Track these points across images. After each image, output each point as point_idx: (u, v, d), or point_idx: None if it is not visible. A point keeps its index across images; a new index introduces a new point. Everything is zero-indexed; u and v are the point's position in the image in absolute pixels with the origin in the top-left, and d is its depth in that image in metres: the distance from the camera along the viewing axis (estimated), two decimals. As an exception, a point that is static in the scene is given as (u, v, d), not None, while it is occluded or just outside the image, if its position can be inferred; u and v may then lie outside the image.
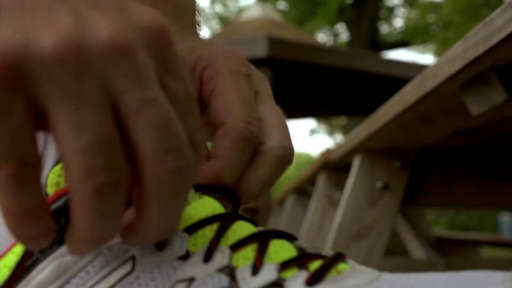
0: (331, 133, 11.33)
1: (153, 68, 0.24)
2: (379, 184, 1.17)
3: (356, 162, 1.19)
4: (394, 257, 1.81)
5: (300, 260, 0.28)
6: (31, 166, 0.22)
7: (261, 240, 0.29)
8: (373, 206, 1.17)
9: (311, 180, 1.94)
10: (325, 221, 1.69)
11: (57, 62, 0.22)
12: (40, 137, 0.32)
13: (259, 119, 0.35)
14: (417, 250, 1.89)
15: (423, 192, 1.27)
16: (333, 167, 1.60)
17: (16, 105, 0.22)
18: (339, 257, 0.28)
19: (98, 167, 0.22)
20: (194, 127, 0.25)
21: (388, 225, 1.17)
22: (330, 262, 0.28)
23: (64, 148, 0.22)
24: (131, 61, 0.23)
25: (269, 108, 0.37)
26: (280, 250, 0.29)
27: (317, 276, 0.27)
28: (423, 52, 9.93)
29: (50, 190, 0.30)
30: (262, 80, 0.38)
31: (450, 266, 1.74)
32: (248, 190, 0.34)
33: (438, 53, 8.25)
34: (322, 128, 11.37)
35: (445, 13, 7.65)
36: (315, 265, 0.28)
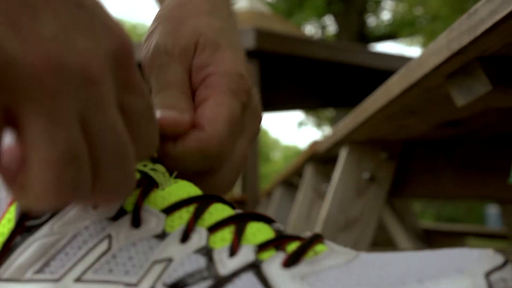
0: (319, 125, 11.35)
1: (114, 92, 0.25)
2: (366, 175, 1.17)
3: (343, 154, 1.19)
4: (382, 248, 1.82)
5: (278, 241, 0.28)
6: None
7: (239, 222, 0.30)
8: (360, 197, 1.18)
9: (298, 172, 1.94)
10: (312, 213, 1.70)
11: (37, 76, 0.22)
12: None
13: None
14: (404, 242, 1.90)
15: (409, 184, 1.28)
16: (320, 159, 1.61)
17: None
18: (316, 239, 0.29)
19: (67, 181, 0.23)
20: (151, 132, 0.28)
21: (375, 216, 1.18)
22: (308, 244, 0.28)
23: (33, 157, 0.23)
24: (97, 90, 0.24)
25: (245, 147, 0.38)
26: (258, 232, 0.29)
27: (294, 257, 0.27)
28: (410, 44, 9.96)
29: None
30: (255, 117, 0.39)
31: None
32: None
33: (425, 45, 8.27)
34: (310, 120, 11.39)
35: (433, 6, 7.67)
36: (292, 246, 0.28)
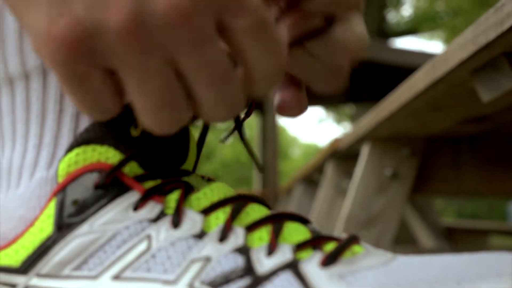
0: (339, 121, 11.31)
1: (211, 23, 0.25)
2: (388, 172, 1.17)
3: (365, 150, 1.19)
4: (403, 245, 1.82)
5: (315, 241, 0.29)
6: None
7: (275, 221, 0.30)
8: (382, 194, 1.17)
9: (319, 169, 1.94)
10: (333, 210, 1.70)
11: (122, 41, 0.24)
12: (52, 128, 0.33)
13: None
14: (425, 239, 1.89)
15: (432, 180, 1.27)
16: (342, 155, 1.60)
17: (92, 73, 0.25)
18: (353, 239, 0.29)
19: (164, 122, 0.26)
20: (270, 50, 0.26)
21: (397, 213, 1.17)
22: (345, 244, 0.28)
23: (136, 107, 0.26)
24: (189, 28, 0.24)
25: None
26: (294, 232, 0.29)
27: (332, 257, 0.27)
28: (431, 39, 9.87)
29: (61, 178, 0.31)
30: None
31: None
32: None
33: (447, 40, 8.20)
34: (330, 116, 11.35)
35: (454, 0, 7.59)
36: (329, 246, 0.28)
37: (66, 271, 0.29)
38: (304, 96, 0.36)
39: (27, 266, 0.30)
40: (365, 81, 3.85)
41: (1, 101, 0.34)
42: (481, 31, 0.59)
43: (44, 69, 0.33)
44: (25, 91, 0.33)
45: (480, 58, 0.64)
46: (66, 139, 0.33)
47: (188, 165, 0.34)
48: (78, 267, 0.29)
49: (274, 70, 0.27)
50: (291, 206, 2.61)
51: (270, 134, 3.40)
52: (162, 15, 0.24)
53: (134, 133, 0.31)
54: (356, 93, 4.30)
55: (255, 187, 3.29)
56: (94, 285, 0.29)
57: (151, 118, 0.26)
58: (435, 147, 1.22)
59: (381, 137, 1.16)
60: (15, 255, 0.31)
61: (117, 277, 0.28)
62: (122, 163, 0.30)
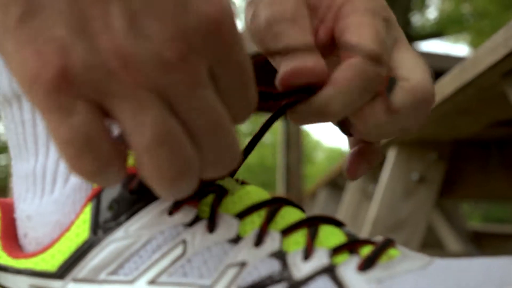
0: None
1: (202, 69, 0.24)
2: (415, 176, 1.16)
3: (392, 155, 1.18)
4: (430, 250, 1.80)
5: (351, 245, 0.28)
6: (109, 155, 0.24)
7: (311, 225, 0.30)
8: (409, 198, 1.16)
9: (343, 173, 1.93)
10: (359, 214, 1.69)
11: (113, 76, 0.22)
12: None
13: (394, 67, 0.34)
14: (452, 243, 1.87)
15: (460, 184, 1.25)
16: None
17: (78, 107, 0.23)
18: (389, 243, 0.28)
19: (163, 161, 0.23)
20: (249, 97, 0.26)
21: (424, 217, 1.16)
22: (381, 248, 0.28)
23: (132, 144, 0.24)
24: (183, 71, 0.23)
25: (410, 54, 0.35)
26: (330, 235, 0.29)
27: (369, 261, 0.27)
28: (456, 42, 9.77)
29: (95, 185, 0.31)
30: (399, 29, 0.36)
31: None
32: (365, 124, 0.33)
33: (473, 43, 8.10)
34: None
35: (480, 3, 7.51)
36: (365, 250, 0.28)
37: (102, 276, 0.30)
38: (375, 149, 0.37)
39: (64, 270, 0.30)
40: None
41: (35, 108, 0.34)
42: (512, 34, 0.59)
43: None
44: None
45: (511, 62, 0.63)
46: None
47: None
48: (114, 272, 0.29)
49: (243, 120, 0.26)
50: (315, 210, 2.60)
51: (294, 138, 3.39)
52: (154, 55, 0.23)
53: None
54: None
55: (279, 191, 3.29)
56: None
57: (148, 159, 0.24)
58: (463, 151, 1.20)
59: (408, 142, 1.15)
60: (52, 260, 0.31)
61: (153, 282, 0.29)
62: None
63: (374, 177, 1.57)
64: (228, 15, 0.24)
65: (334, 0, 0.35)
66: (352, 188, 1.69)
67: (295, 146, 3.39)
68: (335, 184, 2.35)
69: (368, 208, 1.45)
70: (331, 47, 0.35)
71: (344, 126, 0.35)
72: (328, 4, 0.35)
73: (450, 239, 1.89)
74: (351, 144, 0.38)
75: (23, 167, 0.35)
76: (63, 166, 0.33)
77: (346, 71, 0.31)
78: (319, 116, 0.32)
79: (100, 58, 0.22)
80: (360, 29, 0.33)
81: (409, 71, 0.33)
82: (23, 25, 0.23)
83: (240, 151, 0.26)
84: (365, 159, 0.37)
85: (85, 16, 0.22)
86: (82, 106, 0.23)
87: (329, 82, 0.32)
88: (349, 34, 0.33)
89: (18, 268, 0.32)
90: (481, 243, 1.98)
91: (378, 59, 0.32)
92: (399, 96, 0.32)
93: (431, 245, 1.96)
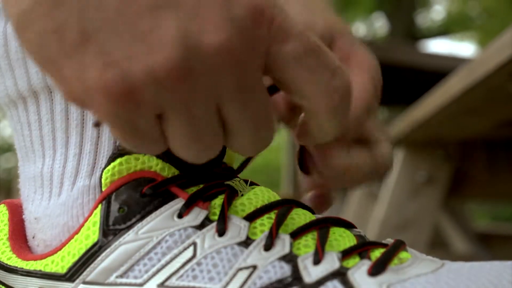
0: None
1: (261, 61, 0.25)
2: (423, 176, 1.15)
3: (399, 155, 1.18)
4: (437, 250, 1.79)
5: (362, 248, 0.28)
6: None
7: (321, 227, 0.30)
8: (417, 198, 1.16)
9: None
10: (364, 214, 1.68)
11: (169, 88, 0.24)
12: (92, 136, 0.33)
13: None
14: (459, 243, 1.86)
15: (467, 185, 1.25)
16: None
17: (140, 120, 0.25)
18: (400, 246, 0.28)
19: (197, 156, 0.27)
20: (323, 75, 0.27)
21: (431, 217, 1.16)
22: (392, 251, 0.28)
23: (174, 145, 0.26)
24: (235, 75, 0.24)
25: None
26: (340, 238, 0.29)
27: (380, 265, 0.27)
28: (463, 41, 9.74)
29: (105, 187, 0.31)
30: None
31: (495, 260, 1.70)
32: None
33: (480, 42, 8.08)
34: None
35: (488, 3, 7.49)
36: (376, 253, 0.28)
37: (112, 278, 0.30)
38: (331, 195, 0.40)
39: (73, 273, 0.30)
40: (396, 85, 3.82)
41: (41, 109, 0.34)
42: (520, 34, 0.58)
43: None
44: (63, 100, 0.34)
45: (519, 61, 0.62)
46: (106, 147, 0.33)
47: (228, 158, 0.34)
48: (123, 274, 0.29)
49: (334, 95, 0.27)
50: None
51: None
52: (211, 57, 0.24)
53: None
54: (387, 97, 4.26)
55: (284, 191, 3.28)
56: None
57: (185, 153, 0.26)
58: (470, 151, 1.20)
59: (415, 141, 1.14)
60: (61, 262, 0.31)
61: (162, 285, 0.29)
62: (177, 178, 0.31)
63: (380, 177, 1.57)
64: (269, 6, 0.25)
65: (324, 33, 0.37)
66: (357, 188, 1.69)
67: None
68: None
69: (373, 208, 1.44)
70: None
71: (305, 163, 0.36)
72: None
73: (457, 239, 1.89)
74: (307, 186, 0.40)
75: (31, 169, 0.35)
76: (70, 169, 0.33)
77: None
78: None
79: (157, 74, 0.23)
80: (363, 67, 0.37)
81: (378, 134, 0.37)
82: (82, 50, 0.24)
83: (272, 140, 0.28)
84: (321, 204, 0.39)
85: (138, 32, 0.23)
86: (144, 121, 0.25)
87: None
88: (351, 68, 0.36)
89: (28, 270, 0.32)
90: (488, 243, 1.98)
91: (368, 109, 0.35)
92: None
93: (438, 245, 1.95)
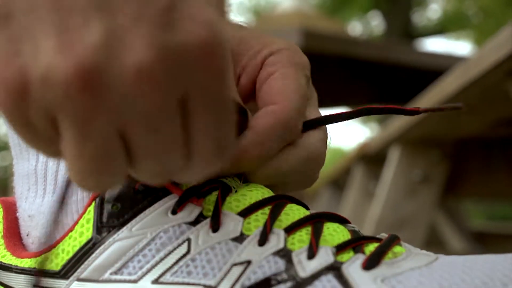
0: (366, 122, 11.24)
1: (178, 97, 0.22)
2: (418, 175, 1.16)
3: (395, 154, 1.18)
4: (433, 249, 1.79)
5: (356, 243, 0.28)
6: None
7: (315, 222, 0.29)
8: (412, 197, 1.16)
9: (345, 173, 1.93)
10: (361, 212, 1.69)
11: (70, 95, 0.21)
12: None
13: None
14: (455, 242, 1.87)
15: (463, 183, 1.25)
16: (370, 158, 1.59)
17: (37, 120, 0.22)
18: (394, 240, 0.28)
19: (89, 187, 0.24)
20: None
21: (427, 216, 1.16)
22: (386, 245, 0.28)
23: (68, 163, 0.23)
24: (155, 98, 0.21)
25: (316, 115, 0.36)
26: (335, 233, 0.29)
27: (374, 259, 0.27)
28: (459, 39, 9.76)
29: None
30: (314, 91, 0.38)
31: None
32: (269, 173, 0.33)
33: (476, 40, 8.09)
34: (358, 118, 11.26)
35: (484, 2, 7.50)
36: (370, 248, 0.28)
37: (106, 275, 0.30)
38: None
39: (67, 270, 0.30)
40: (392, 84, 3.83)
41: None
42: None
43: None
44: None
45: (515, 60, 0.63)
46: None
47: None
48: (118, 271, 0.29)
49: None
50: (317, 208, 2.60)
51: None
52: (127, 77, 0.21)
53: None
54: (383, 95, 4.27)
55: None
56: None
57: (78, 180, 0.24)
58: (466, 150, 1.20)
59: (411, 140, 1.15)
60: (55, 259, 0.31)
61: (156, 281, 0.28)
62: None
63: (375, 175, 1.57)
64: (220, 42, 0.22)
65: (260, 49, 0.36)
66: (355, 188, 1.69)
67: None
68: (337, 183, 2.35)
69: (369, 207, 1.45)
70: (249, 96, 0.36)
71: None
72: (254, 53, 0.36)
73: (452, 238, 1.89)
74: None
75: (24, 167, 0.35)
76: (63, 166, 0.33)
77: (267, 118, 0.32)
78: (235, 162, 0.31)
79: (61, 77, 0.21)
80: (285, 79, 0.34)
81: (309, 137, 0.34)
82: None
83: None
84: None
85: (64, 25, 0.21)
86: (42, 122, 0.22)
87: (250, 130, 0.32)
88: (274, 82, 0.34)
89: (22, 267, 0.32)
90: (484, 242, 1.98)
91: (300, 110, 0.33)
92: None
93: (434, 244, 1.95)
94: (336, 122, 0.35)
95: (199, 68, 0.22)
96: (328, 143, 0.36)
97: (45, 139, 0.23)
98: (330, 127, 0.36)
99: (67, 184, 0.33)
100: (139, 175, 0.25)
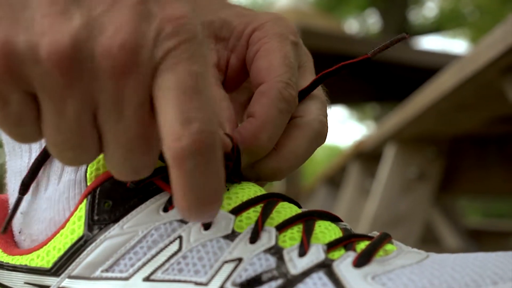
0: (361, 120, 11.25)
1: (146, 84, 0.23)
2: (414, 172, 1.16)
3: (390, 151, 1.18)
4: (429, 246, 1.79)
5: (347, 240, 0.28)
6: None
7: (306, 220, 0.30)
8: (408, 195, 1.16)
9: (341, 170, 1.93)
10: (356, 210, 1.69)
11: (49, 71, 0.22)
12: None
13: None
14: (451, 239, 1.87)
15: (458, 181, 1.25)
16: (365, 156, 1.59)
17: (12, 95, 0.24)
18: (385, 238, 0.28)
19: (66, 160, 0.25)
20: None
21: (422, 213, 1.17)
22: (378, 243, 0.28)
23: (44, 135, 0.25)
24: (119, 85, 0.23)
25: (311, 78, 0.36)
26: (326, 231, 0.29)
27: (365, 257, 0.27)
28: (455, 37, 9.77)
29: (90, 181, 0.31)
30: (307, 55, 0.38)
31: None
32: (285, 162, 0.34)
33: (472, 38, 8.10)
34: (354, 115, 11.29)
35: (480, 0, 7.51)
36: (361, 245, 0.28)
37: (97, 273, 0.29)
38: None
39: (59, 267, 0.30)
40: (388, 81, 3.83)
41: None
42: (510, 30, 0.58)
43: None
44: None
45: (510, 58, 0.63)
46: None
47: None
48: (109, 269, 0.29)
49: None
50: (313, 206, 2.60)
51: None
52: (99, 59, 0.22)
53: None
54: (379, 93, 4.28)
55: (278, 187, 3.28)
56: (126, 286, 0.29)
57: (56, 154, 0.25)
58: (461, 147, 1.20)
59: (407, 138, 1.15)
60: (47, 257, 0.31)
61: (148, 279, 0.28)
62: (161, 170, 0.30)
63: (371, 172, 1.57)
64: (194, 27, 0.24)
65: (244, 29, 0.36)
66: (350, 185, 1.69)
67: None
68: (333, 181, 2.36)
69: (364, 204, 1.45)
70: (243, 75, 0.37)
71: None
72: (238, 34, 0.36)
73: (448, 235, 1.89)
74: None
75: (17, 164, 0.35)
76: (56, 164, 0.33)
77: (261, 100, 0.33)
78: (249, 152, 0.32)
79: (41, 53, 0.22)
80: (269, 55, 0.34)
81: (305, 106, 0.35)
82: None
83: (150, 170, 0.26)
84: None
85: (48, 10, 0.22)
86: (18, 97, 0.24)
87: (251, 117, 0.33)
88: (259, 60, 0.34)
89: (13, 265, 0.32)
90: (479, 240, 1.99)
91: (288, 83, 0.33)
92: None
93: (429, 241, 1.96)
94: (326, 78, 0.35)
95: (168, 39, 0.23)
96: (328, 109, 0.36)
97: (15, 118, 0.24)
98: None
99: (59, 182, 0.33)
100: (107, 165, 0.26)
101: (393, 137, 1.16)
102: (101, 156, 0.31)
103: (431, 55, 3.39)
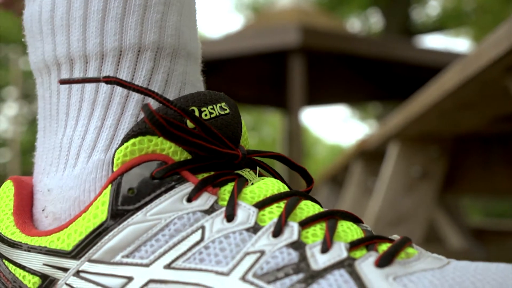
0: (364, 119, 11.22)
1: None
2: (417, 171, 1.16)
3: (393, 150, 1.18)
4: (432, 245, 1.80)
5: (369, 241, 0.29)
6: None
7: (329, 219, 0.30)
8: (411, 193, 1.17)
9: (344, 169, 1.93)
10: (359, 209, 1.69)
11: None
12: (116, 111, 0.34)
13: None
14: (454, 239, 1.87)
15: (461, 180, 1.26)
16: (368, 155, 1.60)
17: None
18: (407, 241, 0.29)
19: None
20: None
21: (426, 213, 1.17)
22: (399, 245, 0.28)
23: None
24: None
25: None
26: (348, 230, 0.29)
27: (387, 258, 0.27)
28: (458, 36, 9.74)
29: (117, 167, 0.32)
30: None
31: (490, 256, 1.71)
32: None
33: (475, 37, 8.08)
34: (356, 114, 11.27)
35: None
36: (383, 247, 0.28)
37: (118, 258, 0.30)
38: None
39: (79, 250, 0.31)
40: (391, 80, 3.83)
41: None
42: (515, 27, 0.59)
43: (120, 51, 0.34)
44: (98, 71, 0.34)
45: (514, 55, 0.63)
46: (127, 124, 0.33)
47: (244, 141, 0.34)
48: (130, 254, 0.30)
49: None
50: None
51: (295, 134, 3.40)
52: None
53: (190, 124, 0.32)
54: (382, 92, 4.28)
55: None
56: (146, 272, 0.29)
57: None
58: (465, 146, 1.21)
59: (410, 137, 1.15)
60: (67, 239, 0.31)
61: (169, 266, 0.29)
62: (187, 162, 0.31)
63: (374, 171, 1.57)
64: None
65: None
66: (353, 183, 1.70)
67: (296, 141, 3.40)
68: (336, 179, 2.36)
69: (367, 203, 1.45)
70: None
71: None
72: None
73: (451, 235, 1.90)
74: None
75: (51, 140, 0.36)
76: (88, 141, 0.34)
77: None
78: None
79: None
80: None
81: None
82: None
83: None
84: None
85: None
86: None
87: None
88: None
89: (32, 246, 0.33)
90: (482, 239, 1.99)
91: None
92: None
93: (432, 241, 1.96)
94: None
95: None
96: None
97: None
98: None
99: (88, 160, 0.33)
100: None
101: (396, 136, 1.16)
102: (129, 143, 0.31)
103: (434, 54, 3.38)
